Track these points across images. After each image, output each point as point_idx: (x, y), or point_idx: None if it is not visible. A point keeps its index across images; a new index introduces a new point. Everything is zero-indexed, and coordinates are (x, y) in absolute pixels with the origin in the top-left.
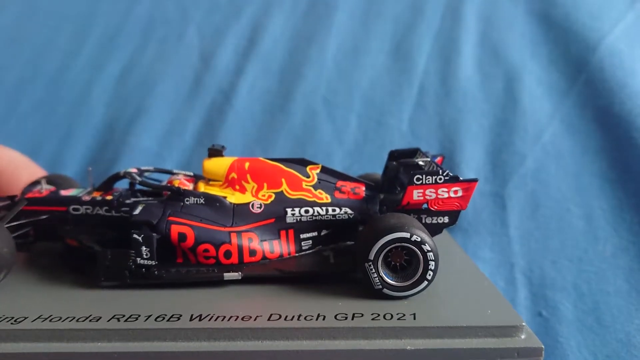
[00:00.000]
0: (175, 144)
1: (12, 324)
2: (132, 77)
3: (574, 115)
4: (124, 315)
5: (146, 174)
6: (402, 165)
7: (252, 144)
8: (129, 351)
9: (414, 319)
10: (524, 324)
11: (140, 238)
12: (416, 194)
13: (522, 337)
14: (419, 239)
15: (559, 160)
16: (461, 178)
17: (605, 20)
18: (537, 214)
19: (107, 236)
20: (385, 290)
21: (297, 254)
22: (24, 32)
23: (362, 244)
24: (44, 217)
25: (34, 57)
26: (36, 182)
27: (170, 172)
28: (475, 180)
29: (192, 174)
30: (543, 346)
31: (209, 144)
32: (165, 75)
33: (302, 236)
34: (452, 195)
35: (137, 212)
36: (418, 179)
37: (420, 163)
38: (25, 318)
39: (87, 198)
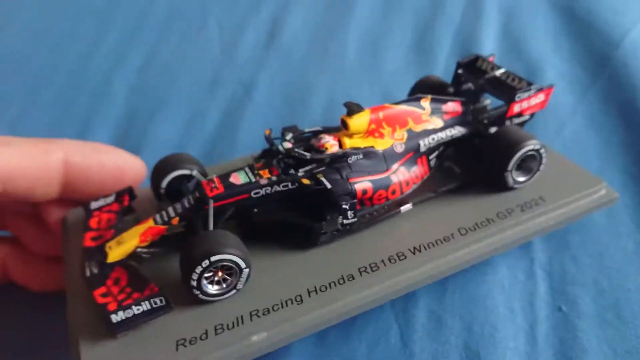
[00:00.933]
0: (195, 135)
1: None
2: (153, 69)
3: (596, 110)
4: (344, 275)
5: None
6: (490, 81)
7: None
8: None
9: (544, 200)
10: (603, 182)
11: (347, 206)
12: (517, 108)
13: (603, 192)
14: (539, 147)
15: (581, 155)
16: (543, 87)
17: (629, 16)
18: None
19: (299, 205)
20: (516, 185)
21: (429, 172)
22: (47, 23)
23: (496, 158)
24: (233, 208)
25: (57, 48)
26: (163, 170)
27: (312, 132)
28: (552, 86)
29: (330, 131)
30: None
31: (230, 135)
32: (185, 67)
33: (430, 158)
34: (537, 101)
35: (330, 186)
36: (518, 97)
37: (499, 74)
38: (299, 296)
39: (263, 181)
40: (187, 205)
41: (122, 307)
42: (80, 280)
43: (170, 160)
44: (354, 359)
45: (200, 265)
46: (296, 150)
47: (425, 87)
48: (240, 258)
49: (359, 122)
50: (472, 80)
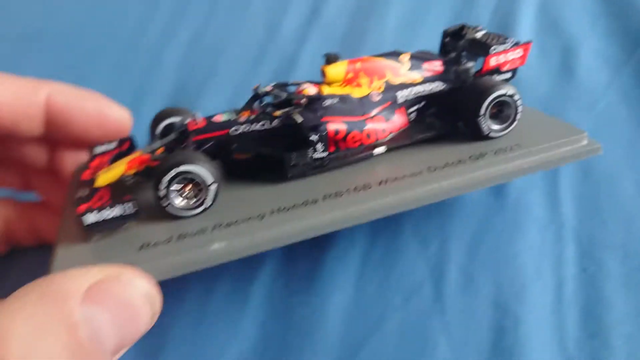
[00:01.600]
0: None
1: (254, 219)
2: (201, 44)
3: (630, 86)
4: (307, 200)
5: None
6: (469, 41)
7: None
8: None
9: (520, 146)
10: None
11: (315, 138)
12: (493, 61)
13: (584, 142)
14: (512, 93)
15: (612, 129)
16: (520, 42)
17: None
18: (589, 178)
19: (275, 143)
20: (492, 134)
21: (409, 124)
22: (101, 1)
23: (469, 104)
24: (212, 142)
25: (111, 24)
26: (162, 117)
27: (295, 84)
28: (530, 42)
29: (311, 80)
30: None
31: None
32: (232, 42)
33: (409, 110)
34: (516, 56)
35: (300, 120)
36: (494, 49)
37: (479, 36)
38: (261, 214)
39: (242, 119)
40: (172, 137)
41: (94, 209)
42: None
43: (167, 110)
44: (390, 307)
45: (168, 174)
46: (276, 90)
47: None
48: (208, 172)
49: (335, 70)
50: (458, 45)
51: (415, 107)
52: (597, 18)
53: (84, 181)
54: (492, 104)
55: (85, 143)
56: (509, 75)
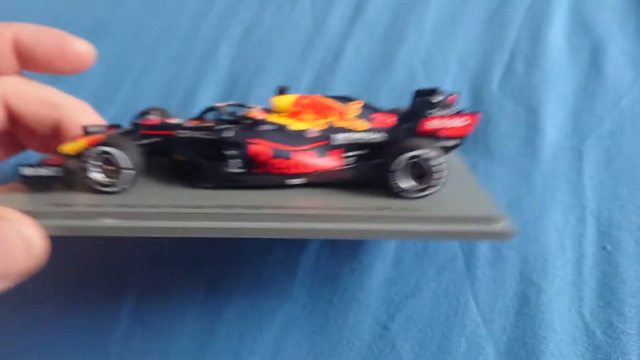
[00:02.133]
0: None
1: (150, 207)
2: (253, 38)
3: None
4: (223, 205)
5: (231, 107)
6: (420, 102)
7: (358, 97)
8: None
9: (421, 211)
10: (499, 213)
11: (230, 154)
12: (428, 125)
13: (500, 225)
14: (427, 156)
15: (634, 124)
16: (465, 111)
17: None
18: (610, 167)
19: (205, 152)
20: (403, 194)
21: (342, 166)
22: None
23: (386, 159)
24: (158, 139)
25: (170, 19)
26: (145, 113)
27: (249, 106)
28: (478, 113)
29: (265, 107)
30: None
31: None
32: (281, 37)
33: (347, 154)
34: (459, 124)
35: (225, 134)
36: (429, 113)
37: (434, 101)
38: (159, 205)
39: (188, 125)
40: (128, 127)
41: (33, 165)
42: None
43: (150, 109)
44: (425, 277)
45: (93, 150)
46: (220, 108)
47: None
48: (126, 157)
49: (283, 101)
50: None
51: (355, 153)
52: (626, 18)
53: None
54: (405, 163)
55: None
56: (453, 142)
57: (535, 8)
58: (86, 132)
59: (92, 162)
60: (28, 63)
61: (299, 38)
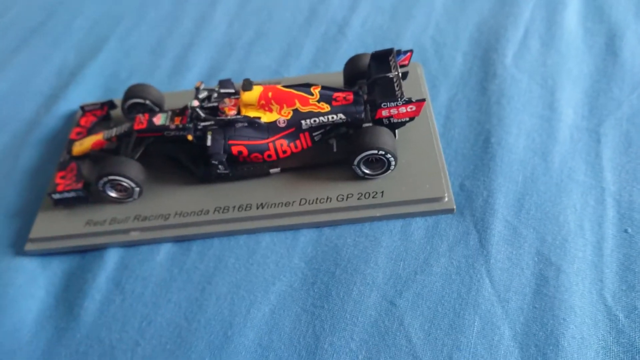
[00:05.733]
0: (292, 63)
1: (162, 219)
2: (253, 2)
3: None
4: (221, 207)
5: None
6: (377, 84)
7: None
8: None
9: (382, 196)
10: (445, 194)
11: (217, 162)
12: (384, 113)
13: (445, 200)
14: (384, 153)
15: None
16: (413, 99)
17: None
18: (629, 150)
19: (193, 151)
20: (367, 177)
21: (312, 145)
22: None
23: (351, 151)
24: (150, 141)
25: None
26: (129, 96)
27: (226, 93)
28: (422, 101)
29: (235, 96)
30: (454, 207)
31: (324, 66)
32: (282, 3)
33: (314, 134)
34: (408, 110)
35: (209, 144)
36: (384, 105)
37: (391, 76)
38: (168, 215)
39: (172, 126)
40: (123, 130)
41: (60, 191)
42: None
43: (135, 88)
44: (435, 252)
45: (103, 178)
46: (197, 109)
47: (351, 67)
48: (132, 180)
49: (249, 96)
50: (375, 74)
51: (320, 131)
52: None
53: (70, 140)
54: (367, 158)
55: None
56: (405, 120)
57: None
58: (84, 110)
59: (106, 185)
60: None
61: (302, 5)
